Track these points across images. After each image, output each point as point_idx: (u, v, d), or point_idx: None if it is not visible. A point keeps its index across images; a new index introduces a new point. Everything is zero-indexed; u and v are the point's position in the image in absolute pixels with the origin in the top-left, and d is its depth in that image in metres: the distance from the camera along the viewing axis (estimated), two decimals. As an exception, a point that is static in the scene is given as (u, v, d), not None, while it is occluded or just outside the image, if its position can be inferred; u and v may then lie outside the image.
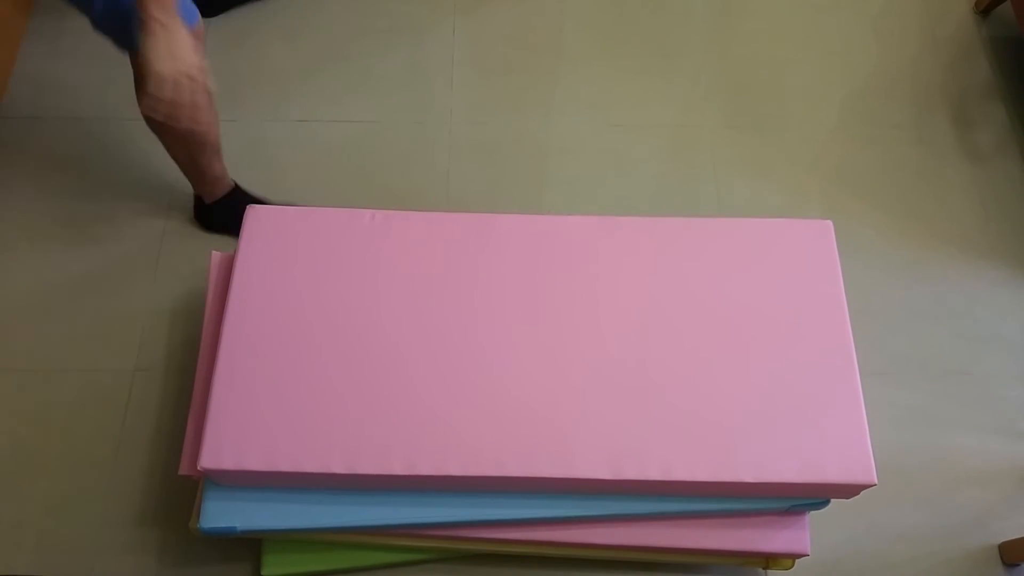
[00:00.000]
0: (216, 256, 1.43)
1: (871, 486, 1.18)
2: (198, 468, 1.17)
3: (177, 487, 1.51)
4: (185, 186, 1.83)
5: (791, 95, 2.01)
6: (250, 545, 1.45)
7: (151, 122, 1.41)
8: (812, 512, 1.33)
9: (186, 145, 1.50)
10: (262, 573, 1.37)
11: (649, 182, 1.88)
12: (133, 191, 1.80)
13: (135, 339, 1.65)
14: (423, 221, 1.36)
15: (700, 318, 1.29)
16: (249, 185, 1.80)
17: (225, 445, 1.18)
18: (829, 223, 1.36)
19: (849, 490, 1.22)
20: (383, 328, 1.27)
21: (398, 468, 1.17)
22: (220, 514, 1.25)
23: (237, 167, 1.83)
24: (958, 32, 2.12)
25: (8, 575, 1.45)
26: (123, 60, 1.93)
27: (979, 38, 2.10)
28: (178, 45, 1.12)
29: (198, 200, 1.74)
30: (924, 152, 1.94)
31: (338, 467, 1.17)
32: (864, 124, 1.98)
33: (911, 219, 1.86)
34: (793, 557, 1.39)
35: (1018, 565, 1.52)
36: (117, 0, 1.21)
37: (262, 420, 1.20)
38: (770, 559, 1.40)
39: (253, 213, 1.37)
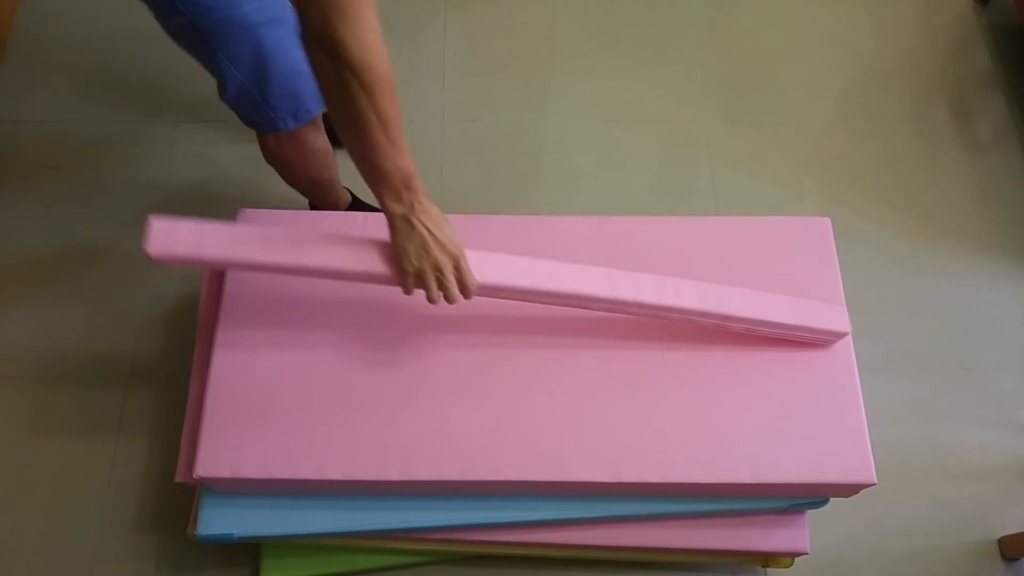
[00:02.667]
0: (209, 260, 1.42)
1: (871, 486, 1.18)
2: (194, 476, 1.16)
3: (174, 492, 1.50)
4: (176, 190, 1.82)
5: (788, 87, 1.99)
6: (248, 550, 1.45)
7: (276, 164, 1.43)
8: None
9: (311, 184, 1.50)
10: (260, 578, 1.37)
11: (645, 177, 1.87)
12: (123, 195, 1.79)
13: (129, 344, 1.64)
14: (417, 223, 1.34)
15: (697, 318, 1.28)
16: (238, 186, 1.79)
17: (221, 453, 1.17)
18: (827, 220, 1.35)
19: (849, 490, 1.21)
20: (378, 332, 1.26)
21: (395, 474, 1.17)
22: (217, 521, 1.24)
23: (226, 169, 1.82)
24: (957, 21, 2.09)
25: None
26: (107, 62, 1.92)
27: (978, 26, 2.08)
28: (424, 239, 1.02)
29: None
30: (923, 143, 1.92)
31: (335, 474, 1.17)
32: (862, 116, 1.96)
33: (910, 211, 1.85)
34: (792, 556, 1.38)
35: (1018, 559, 1.52)
36: (249, 91, 1.22)
37: (258, 427, 1.19)
38: (769, 558, 1.40)
39: (245, 217, 1.36)
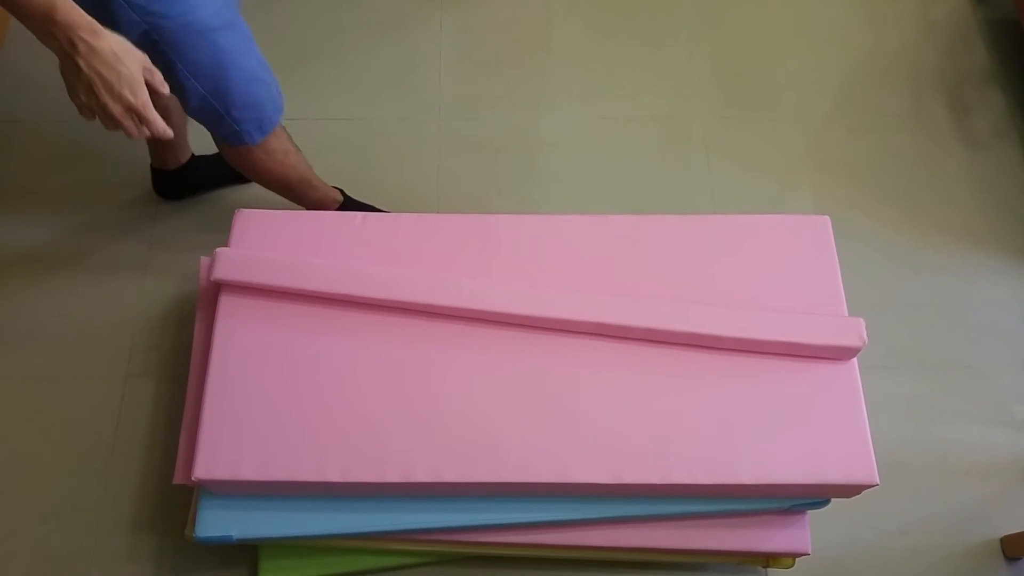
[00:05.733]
0: (206, 261, 1.41)
1: (873, 486, 1.17)
2: (192, 478, 1.16)
3: (172, 492, 1.49)
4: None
5: (784, 83, 1.99)
6: (247, 551, 1.44)
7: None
8: (811, 509, 1.32)
9: (280, 185, 1.49)
10: (259, 580, 1.37)
11: (642, 174, 1.86)
12: (120, 194, 1.77)
13: (126, 344, 1.63)
14: (414, 223, 1.34)
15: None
16: (234, 186, 1.78)
17: (219, 455, 1.17)
18: (826, 219, 1.35)
19: (850, 490, 1.21)
20: (376, 333, 1.25)
21: (394, 476, 1.16)
22: (216, 523, 1.24)
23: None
24: (953, 16, 2.09)
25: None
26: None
27: (975, 21, 2.08)
28: (91, 83, 0.98)
29: None
30: (920, 139, 1.92)
31: (334, 475, 1.16)
32: (859, 112, 1.96)
33: (907, 207, 1.84)
34: (794, 556, 1.38)
35: (1020, 559, 1.51)
36: (210, 102, 1.21)
37: (256, 429, 1.18)
38: (771, 558, 1.39)
39: (241, 217, 1.35)
